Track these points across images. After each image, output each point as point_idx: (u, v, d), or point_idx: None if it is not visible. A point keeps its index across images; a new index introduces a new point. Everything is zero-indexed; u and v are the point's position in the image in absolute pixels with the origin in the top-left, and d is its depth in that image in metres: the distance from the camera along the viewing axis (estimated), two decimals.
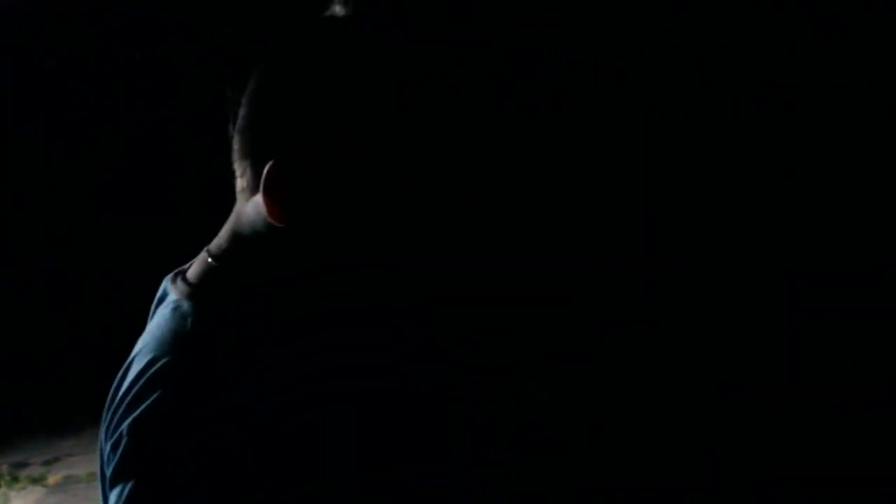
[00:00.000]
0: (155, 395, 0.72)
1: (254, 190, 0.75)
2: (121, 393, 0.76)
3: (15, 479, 4.42)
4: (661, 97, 1.71)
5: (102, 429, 0.78)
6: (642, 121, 1.72)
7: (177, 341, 0.76)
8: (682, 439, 1.71)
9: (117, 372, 0.79)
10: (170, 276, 0.84)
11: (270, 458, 0.71)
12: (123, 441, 0.72)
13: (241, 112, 0.76)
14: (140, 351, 0.78)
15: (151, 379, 0.73)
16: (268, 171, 0.71)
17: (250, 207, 0.76)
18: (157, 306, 0.83)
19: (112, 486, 0.72)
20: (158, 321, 0.80)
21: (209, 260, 0.80)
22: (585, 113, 1.75)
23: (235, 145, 0.77)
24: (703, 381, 1.73)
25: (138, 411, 0.72)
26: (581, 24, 1.72)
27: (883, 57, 1.65)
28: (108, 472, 0.74)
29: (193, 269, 0.83)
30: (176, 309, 0.79)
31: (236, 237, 0.79)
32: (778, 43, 1.68)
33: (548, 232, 1.80)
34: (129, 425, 0.72)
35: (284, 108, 0.72)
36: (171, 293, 0.82)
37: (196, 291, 0.79)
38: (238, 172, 0.77)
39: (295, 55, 0.74)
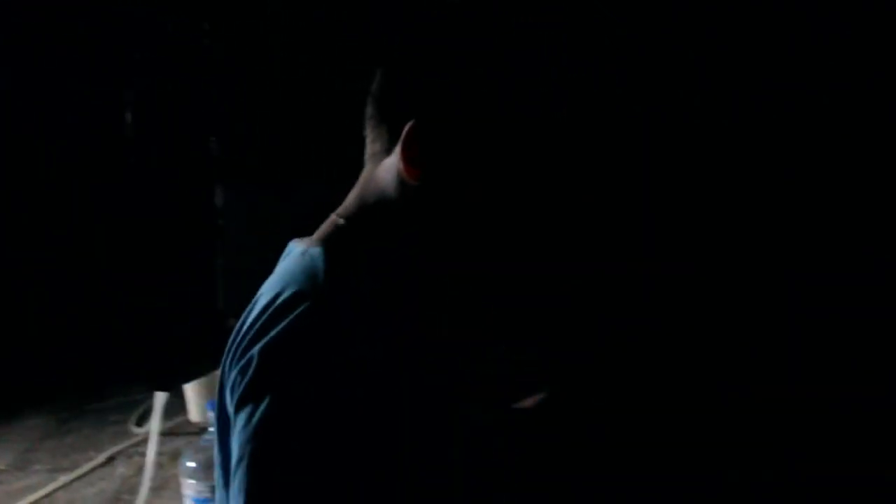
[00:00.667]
0: (286, 322, 0.73)
1: (387, 153, 0.79)
2: (248, 323, 0.77)
3: None
4: (662, 97, 1.71)
5: (227, 361, 0.78)
6: (642, 121, 1.72)
7: (306, 276, 0.77)
8: (682, 439, 1.71)
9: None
10: (296, 238, 0.86)
11: (363, 422, 0.72)
12: (253, 364, 0.72)
13: (378, 81, 0.80)
14: (268, 287, 0.79)
15: (282, 307, 0.74)
16: (408, 130, 0.75)
17: (384, 169, 0.79)
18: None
19: (239, 410, 0.72)
20: (286, 264, 0.81)
21: (338, 221, 0.83)
22: (586, 113, 1.75)
23: (370, 111, 0.80)
24: (702, 381, 1.73)
25: (269, 336, 0.73)
26: (581, 25, 1.72)
27: (883, 57, 1.65)
28: (235, 399, 0.74)
29: (321, 229, 0.84)
30: (304, 253, 0.80)
31: (364, 199, 0.82)
32: (778, 43, 1.68)
33: (548, 232, 1.80)
34: (260, 350, 0.73)
35: (424, 75, 0.77)
36: (299, 246, 0.83)
37: (325, 243, 0.81)
38: (371, 138, 0.81)
39: (432, 30, 0.78)
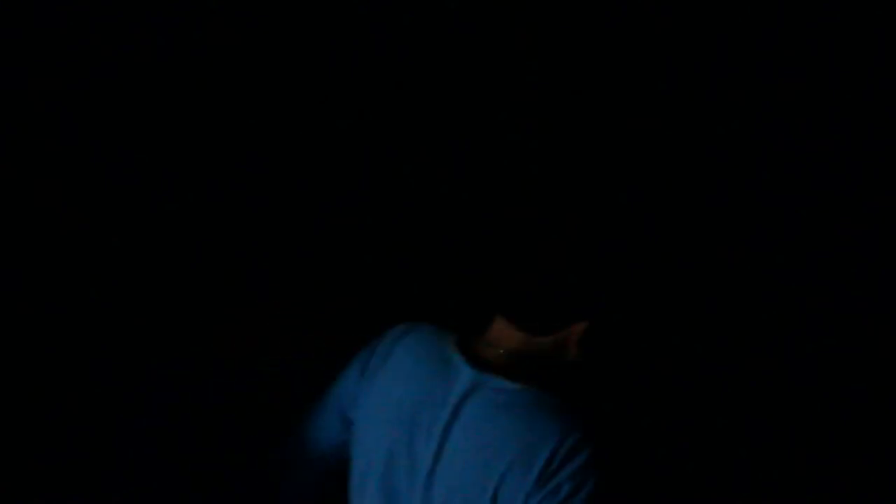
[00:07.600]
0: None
1: (548, 335, 1.21)
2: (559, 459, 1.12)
3: None
4: (662, 97, 1.72)
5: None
6: (642, 121, 1.72)
7: (577, 414, 1.18)
8: (683, 441, 1.71)
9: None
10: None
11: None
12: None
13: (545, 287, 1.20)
14: (539, 437, 1.13)
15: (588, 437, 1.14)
16: (585, 329, 1.20)
17: (552, 346, 1.21)
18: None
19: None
20: (538, 414, 1.15)
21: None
22: (588, 114, 1.76)
23: (532, 304, 1.19)
24: (701, 382, 1.73)
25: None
26: (583, 28, 1.73)
27: (881, 57, 1.65)
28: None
29: (521, 372, 1.20)
30: (547, 399, 1.18)
31: (548, 362, 1.22)
32: (778, 44, 1.68)
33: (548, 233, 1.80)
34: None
35: (583, 292, 1.21)
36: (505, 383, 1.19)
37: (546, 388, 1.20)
38: (528, 332, 1.20)
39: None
